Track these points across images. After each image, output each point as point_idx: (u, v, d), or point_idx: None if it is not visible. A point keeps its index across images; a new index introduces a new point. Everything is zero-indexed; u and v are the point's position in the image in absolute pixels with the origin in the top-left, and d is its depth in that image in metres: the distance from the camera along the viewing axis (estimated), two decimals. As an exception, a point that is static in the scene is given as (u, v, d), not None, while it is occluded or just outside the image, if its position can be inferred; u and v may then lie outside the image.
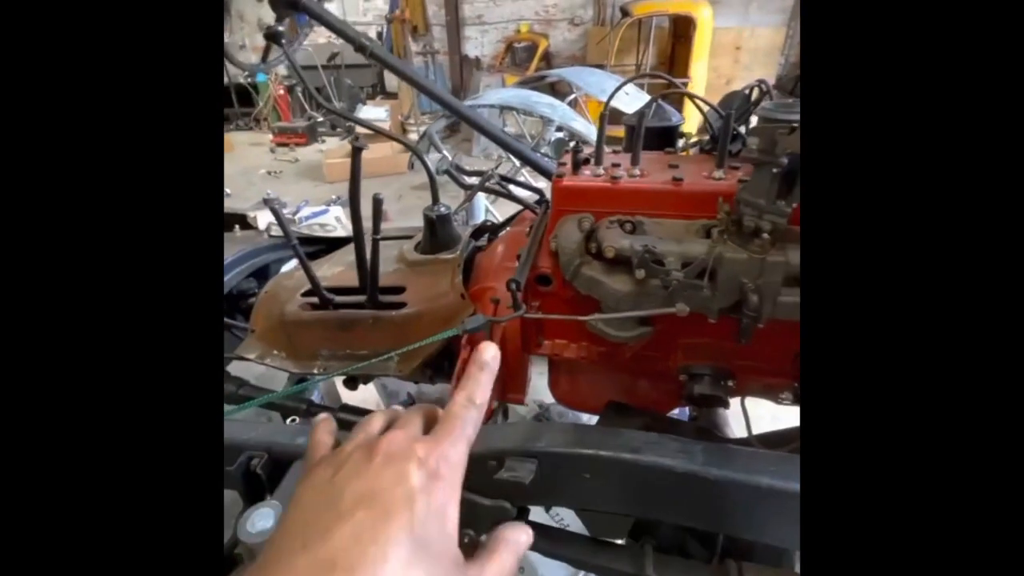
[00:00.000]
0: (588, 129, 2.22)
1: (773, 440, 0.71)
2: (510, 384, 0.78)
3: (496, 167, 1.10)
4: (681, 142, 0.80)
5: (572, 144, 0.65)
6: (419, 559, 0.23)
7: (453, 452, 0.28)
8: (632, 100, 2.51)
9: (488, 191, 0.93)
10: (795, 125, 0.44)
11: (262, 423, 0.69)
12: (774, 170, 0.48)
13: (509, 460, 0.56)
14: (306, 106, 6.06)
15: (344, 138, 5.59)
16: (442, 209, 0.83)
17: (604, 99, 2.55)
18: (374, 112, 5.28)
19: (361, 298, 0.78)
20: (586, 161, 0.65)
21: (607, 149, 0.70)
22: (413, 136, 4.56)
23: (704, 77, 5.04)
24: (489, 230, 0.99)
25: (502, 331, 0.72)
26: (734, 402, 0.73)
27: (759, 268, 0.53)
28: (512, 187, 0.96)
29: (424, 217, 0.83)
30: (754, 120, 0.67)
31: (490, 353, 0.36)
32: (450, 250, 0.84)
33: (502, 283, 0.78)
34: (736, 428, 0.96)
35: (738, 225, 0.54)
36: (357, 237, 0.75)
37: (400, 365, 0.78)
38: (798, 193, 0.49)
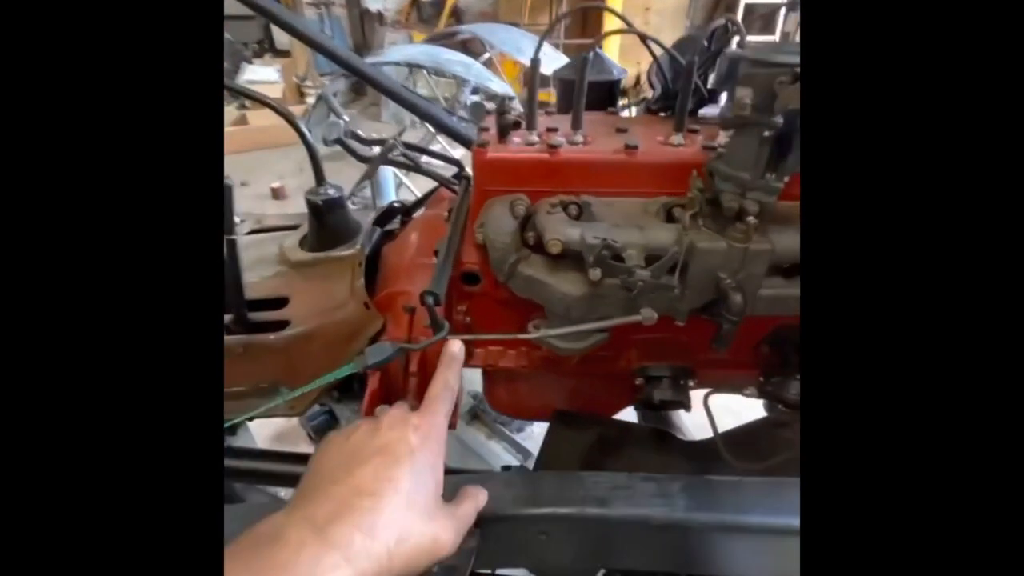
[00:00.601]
0: (506, 90, 2.04)
1: (740, 439, 0.64)
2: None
3: (400, 133, 0.91)
4: (621, 101, 0.67)
5: (495, 104, 0.49)
6: (418, 492, 0.31)
7: (436, 422, 0.36)
8: (550, 61, 2.36)
9: (391, 164, 0.75)
10: (798, 71, 0.32)
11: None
12: (765, 133, 0.36)
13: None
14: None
15: (229, 103, 4.88)
16: (330, 192, 0.64)
17: (520, 58, 2.36)
18: (263, 72, 4.62)
19: (226, 318, 0.58)
20: (515, 125, 0.49)
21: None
22: (310, 101, 4.06)
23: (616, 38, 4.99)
24: (399, 213, 0.81)
25: (421, 351, 0.57)
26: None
27: (740, 259, 0.42)
28: (423, 158, 0.78)
29: (307, 203, 0.63)
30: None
31: (456, 347, 0.45)
32: (347, 244, 0.65)
33: (417, 285, 0.62)
34: (688, 422, 0.90)
35: (714, 206, 0.42)
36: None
37: (292, 403, 0.60)
38: (794, 162, 0.38)
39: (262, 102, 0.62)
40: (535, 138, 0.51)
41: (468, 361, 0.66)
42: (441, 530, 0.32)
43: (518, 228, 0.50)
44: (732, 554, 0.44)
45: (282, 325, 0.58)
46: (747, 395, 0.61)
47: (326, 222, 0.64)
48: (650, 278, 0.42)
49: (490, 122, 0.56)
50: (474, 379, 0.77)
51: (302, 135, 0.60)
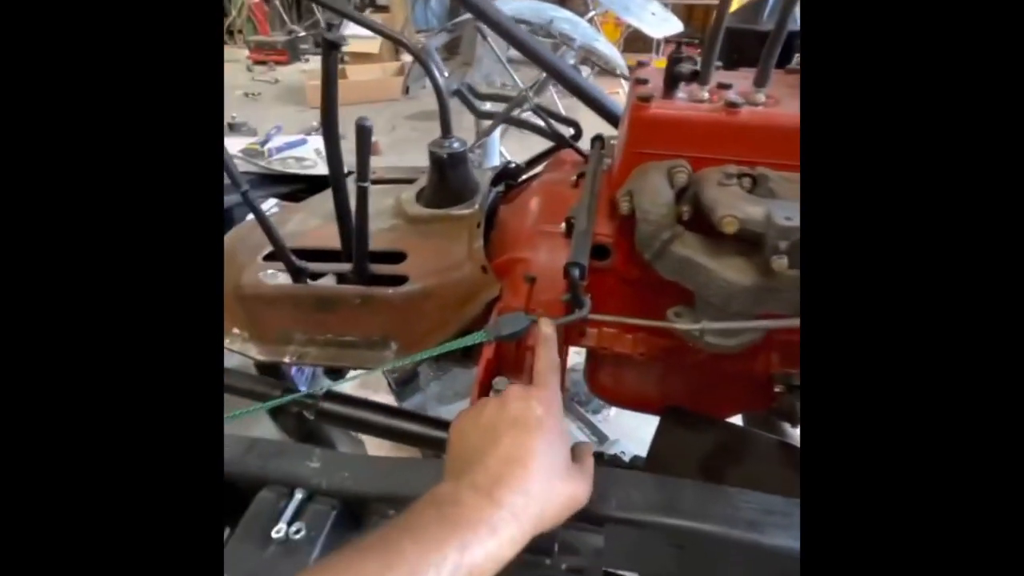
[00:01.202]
0: (612, 53, 1.90)
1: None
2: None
3: (533, 86, 0.85)
4: (797, 57, 0.56)
5: (674, 46, 0.42)
6: (554, 456, 0.35)
7: (553, 393, 0.39)
8: (659, 21, 2.16)
9: (515, 123, 0.70)
10: None
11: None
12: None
13: (563, 531, 0.38)
14: (285, 17, 5.41)
15: (329, 57, 5.02)
16: (455, 145, 0.60)
17: (628, 17, 2.18)
18: (360, 29, 4.71)
19: (346, 267, 0.57)
20: (692, 76, 0.42)
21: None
22: (407, 58, 4.08)
23: None
24: (513, 175, 0.76)
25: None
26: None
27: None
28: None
29: (430, 156, 0.60)
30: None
31: (550, 329, 0.45)
32: (466, 203, 0.62)
33: (539, 253, 0.57)
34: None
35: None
36: (336, 181, 0.52)
37: (399, 357, 0.59)
38: None
39: (390, 37, 0.58)
40: (706, 95, 0.44)
41: (578, 340, 0.61)
42: (577, 486, 0.36)
43: (674, 199, 0.43)
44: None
45: (400, 280, 0.56)
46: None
47: (447, 177, 0.61)
48: (857, 275, 0.34)
49: (649, 73, 0.48)
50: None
51: (434, 80, 0.56)
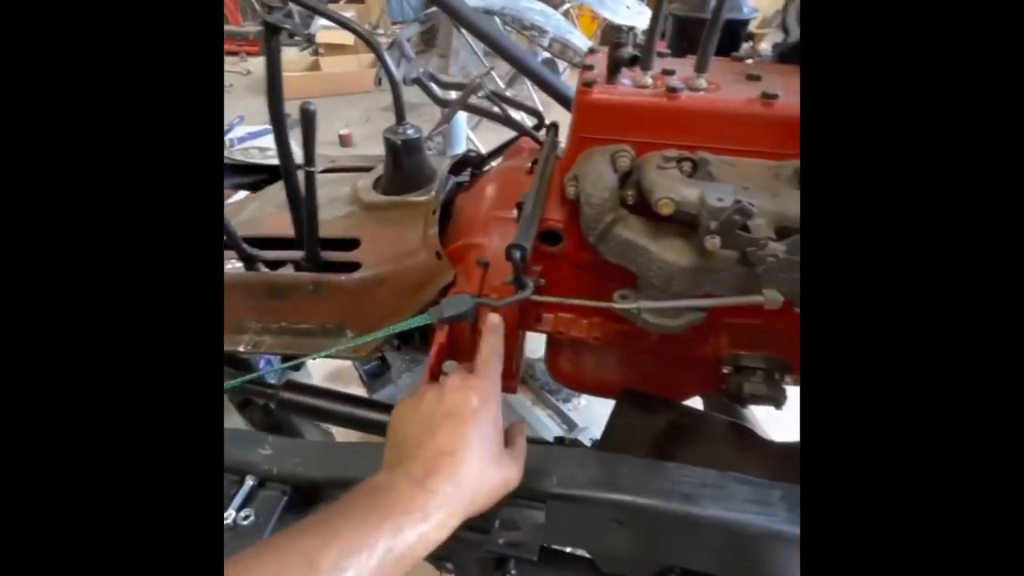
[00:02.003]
0: (586, 46, 1.90)
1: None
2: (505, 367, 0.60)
3: (485, 74, 0.85)
4: (746, 46, 0.57)
5: (618, 33, 0.42)
6: (485, 445, 0.37)
7: (492, 382, 0.41)
8: (633, 14, 2.17)
9: (473, 110, 0.70)
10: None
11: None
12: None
13: (506, 509, 0.39)
14: (257, 7, 5.26)
15: (304, 48, 4.93)
16: (410, 132, 0.60)
17: (602, 10, 2.19)
18: (337, 18, 4.61)
19: (298, 254, 0.56)
20: (632, 61, 0.42)
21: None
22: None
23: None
24: (474, 163, 0.76)
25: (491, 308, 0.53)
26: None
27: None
28: (506, 107, 0.72)
29: (385, 143, 0.59)
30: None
31: (496, 319, 0.47)
32: (422, 190, 0.62)
33: (493, 239, 0.58)
34: (760, 418, 0.83)
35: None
36: (285, 169, 0.52)
37: (358, 347, 0.59)
38: None
39: (350, 28, 0.58)
40: (649, 80, 0.44)
41: (535, 326, 0.62)
42: (508, 471, 0.38)
43: (618, 183, 0.44)
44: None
45: (352, 267, 0.56)
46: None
47: (402, 164, 0.61)
48: (784, 254, 0.35)
49: (596, 60, 0.49)
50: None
51: (385, 65, 0.55)
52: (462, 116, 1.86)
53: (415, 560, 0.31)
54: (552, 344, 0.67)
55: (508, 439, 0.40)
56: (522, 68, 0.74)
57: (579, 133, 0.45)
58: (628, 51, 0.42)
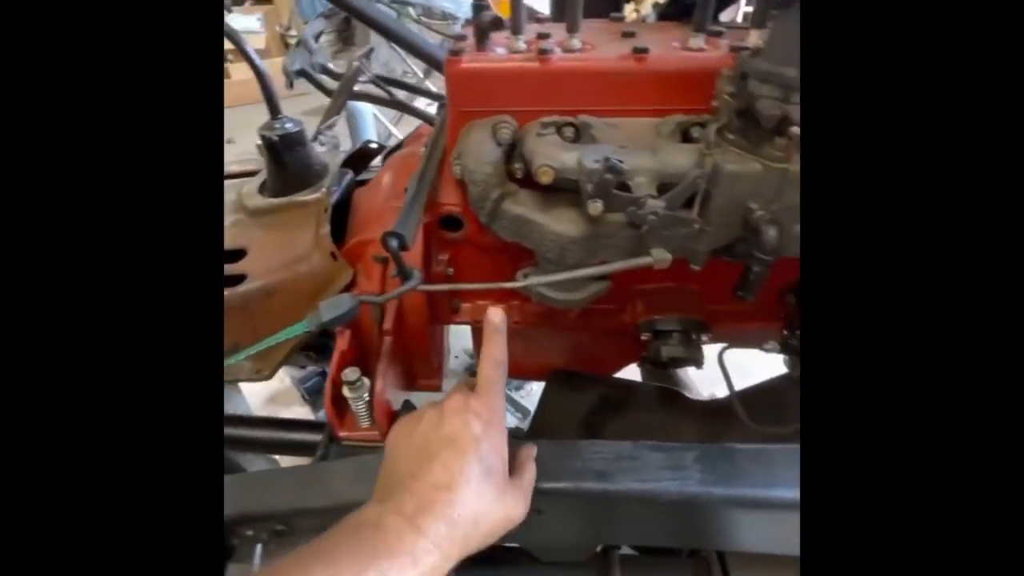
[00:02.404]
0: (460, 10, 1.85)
1: (759, 399, 0.57)
2: (418, 368, 0.57)
3: (367, 53, 0.80)
4: (628, 7, 0.56)
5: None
6: (486, 478, 0.33)
7: (495, 404, 0.37)
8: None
9: (365, 97, 0.65)
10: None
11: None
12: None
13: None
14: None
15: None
16: (288, 125, 0.55)
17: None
18: (243, 21, 4.33)
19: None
20: (495, 24, 0.40)
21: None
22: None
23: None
24: (373, 155, 0.72)
25: (396, 304, 0.50)
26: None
27: (778, 184, 0.34)
28: (402, 93, 0.68)
29: (262, 140, 0.54)
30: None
31: (497, 317, 0.41)
32: (311, 188, 0.57)
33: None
34: (696, 379, 0.84)
35: (746, 118, 0.34)
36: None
37: (258, 365, 0.54)
38: None
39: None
40: (522, 44, 0.42)
41: (452, 317, 0.59)
42: (511, 505, 0.34)
43: (502, 157, 0.42)
44: (753, 529, 0.39)
45: (238, 280, 0.51)
46: (768, 350, 0.54)
47: (285, 162, 0.55)
48: (664, 210, 0.34)
49: (469, 31, 0.46)
50: (466, 333, 0.70)
51: (247, 56, 0.50)
52: (367, 107, 1.77)
53: None
54: (477, 334, 0.64)
55: (514, 467, 0.36)
56: (417, 52, 0.70)
57: (456, 107, 0.43)
58: (489, 14, 0.39)
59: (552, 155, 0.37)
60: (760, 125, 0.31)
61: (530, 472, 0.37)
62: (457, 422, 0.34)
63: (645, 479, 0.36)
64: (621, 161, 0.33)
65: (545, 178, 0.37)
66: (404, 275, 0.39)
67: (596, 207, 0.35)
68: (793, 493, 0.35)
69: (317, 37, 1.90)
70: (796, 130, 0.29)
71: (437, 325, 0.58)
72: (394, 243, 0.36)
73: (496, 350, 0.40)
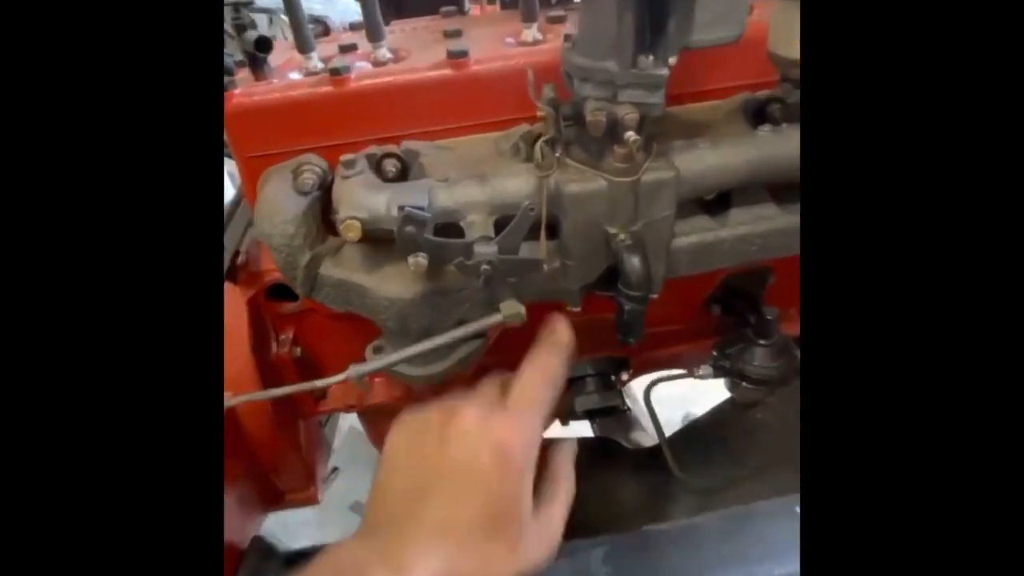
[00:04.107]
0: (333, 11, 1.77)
1: (702, 434, 0.50)
2: (284, 479, 0.46)
3: None
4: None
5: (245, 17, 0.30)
6: (494, 531, 0.26)
7: (526, 429, 0.28)
8: None
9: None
10: None
11: None
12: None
13: None
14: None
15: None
16: None
17: None
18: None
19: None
20: (259, 45, 0.30)
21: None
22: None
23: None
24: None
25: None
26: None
27: (631, 200, 0.26)
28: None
29: None
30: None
31: (561, 325, 0.32)
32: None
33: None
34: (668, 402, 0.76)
35: (578, 124, 0.26)
36: None
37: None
38: (679, 30, 0.22)
39: None
40: (315, 61, 0.33)
41: (317, 408, 0.48)
42: (525, 557, 0.27)
43: (310, 209, 0.32)
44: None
45: None
46: (700, 377, 0.47)
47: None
48: (498, 254, 0.26)
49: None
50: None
51: None
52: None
53: None
54: (363, 418, 0.54)
55: (541, 499, 0.28)
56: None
57: (242, 153, 0.33)
58: (253, 33, 0.30)
59: (358, 202, 0.28)
60: (588, 134, 0.24)
61: (563, 494, 0.29)
62: (465, 447, 0.27)
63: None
64: (422, 209, 0.25)
65: (351, 233, 0.28)
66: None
67: (419, 262, 0.27)
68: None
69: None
70: (631, 135, 0.22)
71: (300, 420, 0.47)
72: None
73: (549, 360, 0.30)
